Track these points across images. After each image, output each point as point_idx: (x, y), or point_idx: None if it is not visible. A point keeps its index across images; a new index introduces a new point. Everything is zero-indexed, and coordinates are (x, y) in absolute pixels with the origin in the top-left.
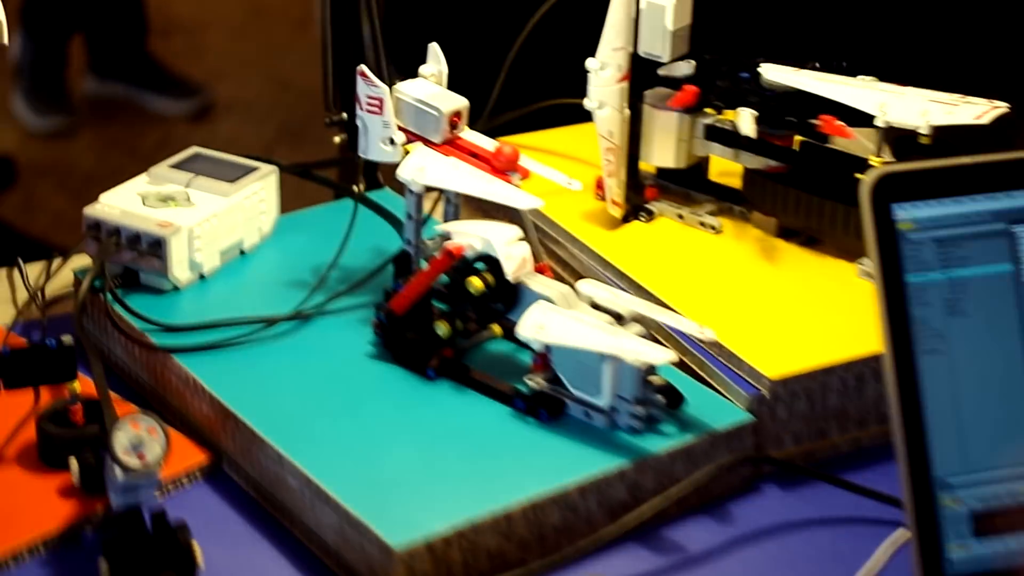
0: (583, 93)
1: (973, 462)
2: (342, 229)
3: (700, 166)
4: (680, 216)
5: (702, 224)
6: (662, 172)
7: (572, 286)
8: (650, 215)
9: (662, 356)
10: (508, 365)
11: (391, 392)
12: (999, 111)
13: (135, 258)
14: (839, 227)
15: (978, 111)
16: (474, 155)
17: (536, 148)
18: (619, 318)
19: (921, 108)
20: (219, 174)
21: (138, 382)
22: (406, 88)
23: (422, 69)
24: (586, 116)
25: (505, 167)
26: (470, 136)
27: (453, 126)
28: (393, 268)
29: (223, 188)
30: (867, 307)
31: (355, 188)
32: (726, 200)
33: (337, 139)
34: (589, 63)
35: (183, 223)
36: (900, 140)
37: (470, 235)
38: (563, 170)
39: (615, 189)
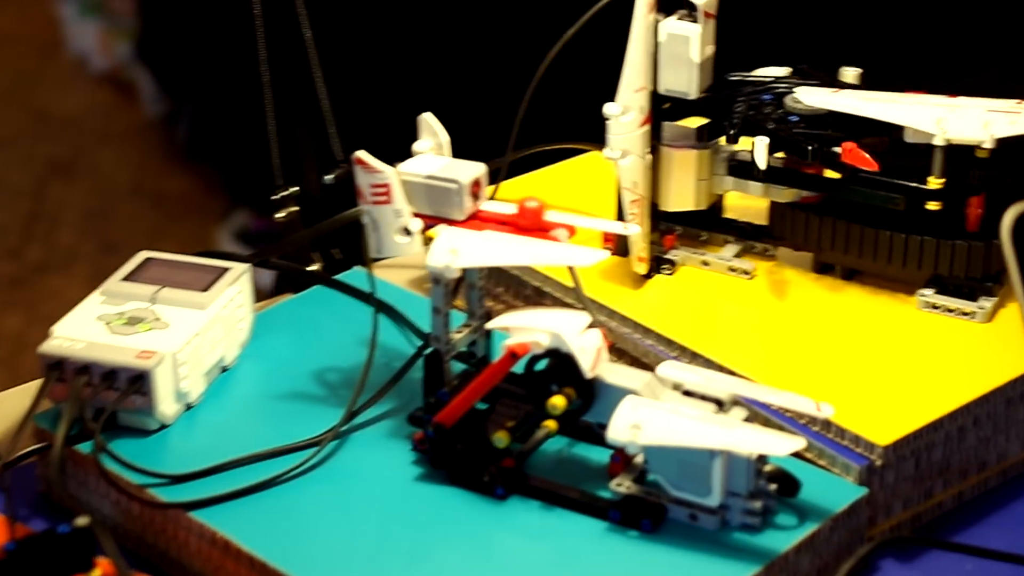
0: (562, 136)
1: None
2: (322, 324)
3: (716, 204)
4: (705, 263)
5: (732, 270)
6: (674, 215)
7: (651, 371)
8: (673, 266)
9: (792, 444)
10: (577, 468)
11: (458, 519)
12: None
13: (116, 398)
14: (885, 257)
15: None
16: (502, 224)
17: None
18: (718, 403)
19: (982, 120)
20: (186, 282)
21: (140, 545)
22: (411, 167)
23: (416, 146)
24: (563, 154)
25: (531, 224)
26: (492, 207)
27: (475, 197)
28: (424, 372)
29: (196, 299)
30: (950, 345)
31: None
32: (747, 238)
33: (283, 214)
34: (609, 109)
35: (165, 349)
36: (954, 156)
37: (534, 329)
38: None
39: (640, 243)
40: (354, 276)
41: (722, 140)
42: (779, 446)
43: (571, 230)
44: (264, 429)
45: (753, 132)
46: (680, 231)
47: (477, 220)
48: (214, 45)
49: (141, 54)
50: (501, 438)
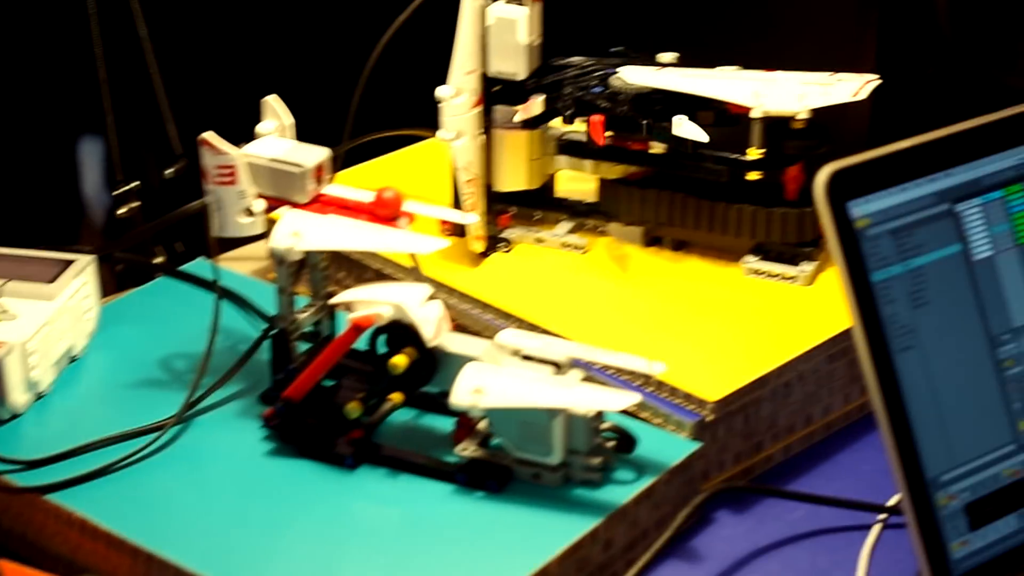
0: (403, 123)
1: (958, 454)
2: (168, 313)
3: (548, 184)
4: (540, 240)
5: (565, 245)
6: (507, 195)
7: (490, 339)
8: (508, 244)
9: (626, 400)
10: (423, 436)
11: (309, 491)
12: (872, 84)
13: None
14: (711, 227)
15: (853, 87)
16: (347, 208)
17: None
18: (556, 366)
19: (796, 92)
20: (31, 274)
21: None
22: (256, 149)
23: (260, 128)
24: (395, 144)
25: (390, 214)
26: (337, 190)
27: (318, 181)
28: (271, 352)
29: (44, 290)
30: (774, 307)
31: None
32: (578, 215)
33: (124, 209)
34: (441, 91)
35: (14, 339)
36: (772, 127)
37: (377, 302)
38: None
39: (477, 222)
40: (198, 266)
41: (555, 122)
42: (615, 402)
43: (411, 217)
44: (115, 414)
45: (585, 112)
46: (515, 211)
47: (320, 204)
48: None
49: None
50: (353, 409)
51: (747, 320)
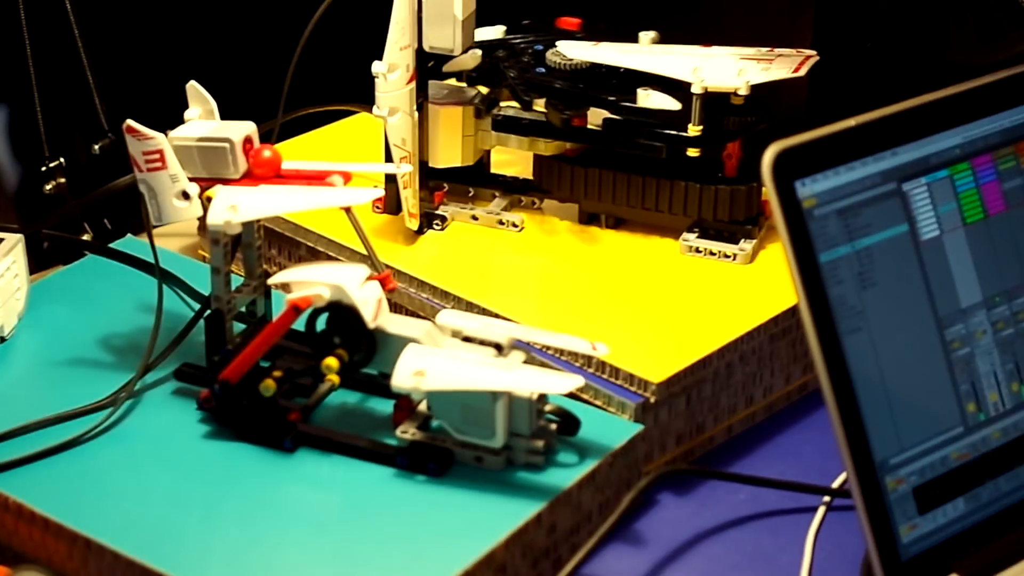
0: (336, 98)
1: (906, 437)
2: (98, 293)
3: (483, 160)
4: (475, 218)
5: (501, 223)
6: (441, 171)
7: (431, 320)
8: (444, 221)
9: (570, 383)
10: (363, 419)
11: (248, 474)
12: (812, 60)
13: None
14: (649, 204)
15: (792, 63)
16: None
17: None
18: (498, 347)
19: (736, 68)
20: None
21: None
22: (183, 132)
23: (187, 115)
24: (331, 118)
25: (268, 172)
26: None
27: (247, 155)
28: (206, 332)
29: None
30: (714, 286)
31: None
32: (513, 191)
33: (51, 185)
34: (376, 67)
35: None
36: (710, 103)
37: (315, 283)
38: None
39: (411, 200)
40: (127, 244)
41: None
42: (558, 385)
43: (346, 176)
44: (48, 396)
45: (539, 94)
46: (448, 187)
47: (252, 178)
48: None
49: None
50: (268, 387)
51: (688, 299)
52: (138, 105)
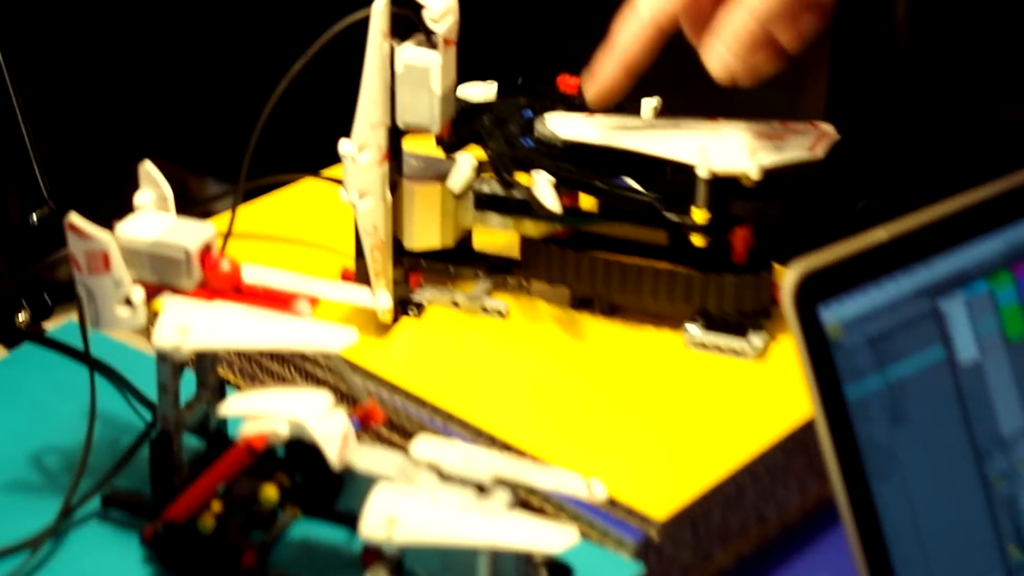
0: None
1: None
2: (35, 391)
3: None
4: (455, 303)
5: (484, 310)
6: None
7: (401, 434)
8: (420, 309)
9: (564, 541)
10: (327, 557)
11: None
12: (830, 139)
13: None
14: (647, 292)
15: (807, 140)
16: (239, 294)
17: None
18: (479, 487)
19: (746, 147)
20: None
21: None
22: (131, 230)
23: (137, 199)
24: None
25: (226, 286)
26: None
27: (204, 264)
28: (150, 458)
29: None
30: (722, 389)
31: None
32: (497, 271)
33: None
34: (344, 147)
35: None
36: (718, 185)
37: (272, 416)
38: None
39: (384, 290)
40: (69, 331)
41: (486, 174)
42: (550, 541)
43: (312, 300)
44: None
45: (522, 169)
46: (426, 266)
47: (208, 289)
48: None
49: None
50: (206, 525)
51: (693, 407)
52: (82, 170)
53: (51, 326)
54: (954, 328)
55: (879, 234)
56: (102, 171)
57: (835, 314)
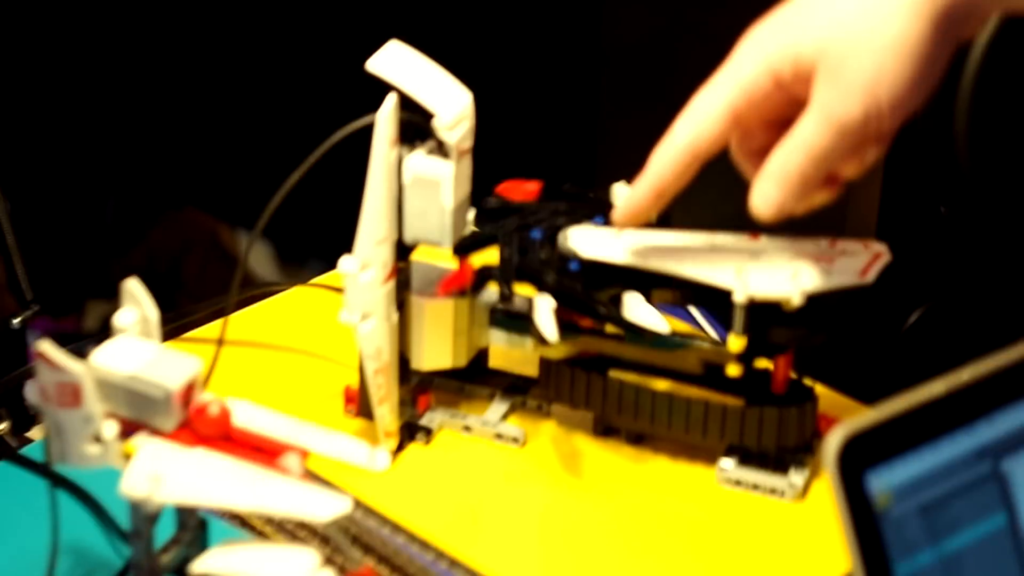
0: None
1: None
2: (9, 513)
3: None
4: (467, 428)
5: (499, 436)
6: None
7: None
8: (428, 435)
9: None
10: None
11: None
12: (883, 261)
13: None
14: (676, 423)
15: (858, 263)
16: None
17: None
18: None
19: (789, 270)
20: None
21: None
22: (108, 360)
23: (118, 320)
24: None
25: (216, 433)
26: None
27: (186, 404)
28: None
29: None
30: (758, 535)
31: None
32: (514, 392)
33: None
34: (346, 265)
35: None
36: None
37: None
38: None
39: (388, 417)
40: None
41: (491, 285)
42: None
43: (303, 453)
44: None
45: (528, 281)
46: (436, 384)
47: (188, 432)
48: None
49: None
50: None
51: (724, 554)
52: (66, 272)
53: (38, 434)
54: (1019, 491)
55: (935, 387)
56: (86, 275)
57: (884, 481)
